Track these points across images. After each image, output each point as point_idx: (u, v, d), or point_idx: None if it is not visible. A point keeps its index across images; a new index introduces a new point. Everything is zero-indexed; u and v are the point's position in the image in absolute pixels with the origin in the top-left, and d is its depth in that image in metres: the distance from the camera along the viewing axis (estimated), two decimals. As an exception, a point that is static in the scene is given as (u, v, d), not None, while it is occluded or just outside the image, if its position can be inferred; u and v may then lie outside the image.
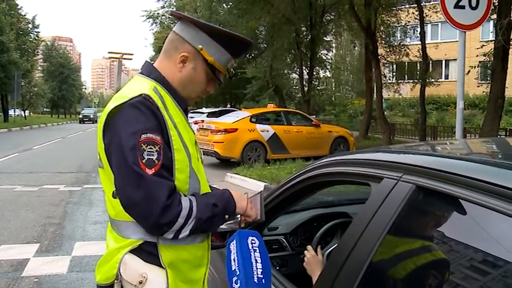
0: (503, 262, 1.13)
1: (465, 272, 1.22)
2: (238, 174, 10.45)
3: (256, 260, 1.52)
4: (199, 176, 1.57)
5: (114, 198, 1.46)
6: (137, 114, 1.41)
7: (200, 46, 1.54)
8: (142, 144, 1.38)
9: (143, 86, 1.51)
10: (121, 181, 1.42)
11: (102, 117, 1.47)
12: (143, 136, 1.38)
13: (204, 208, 1.47)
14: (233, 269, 1.53)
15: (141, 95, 1.43)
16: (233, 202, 1.57)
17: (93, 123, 48.97)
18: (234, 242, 1.59)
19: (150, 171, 1.37)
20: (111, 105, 1.45)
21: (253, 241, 1.58)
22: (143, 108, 1.41)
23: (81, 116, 54.77)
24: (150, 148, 1.38)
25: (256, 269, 1.51)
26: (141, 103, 1.42)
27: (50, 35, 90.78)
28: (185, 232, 1.44)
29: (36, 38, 44.52)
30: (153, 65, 1.62)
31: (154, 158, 1.38)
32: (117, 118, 1.43)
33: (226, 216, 1.55)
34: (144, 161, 1.37)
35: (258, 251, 1.56)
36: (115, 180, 1.44)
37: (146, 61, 1.67)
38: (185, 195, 1.47)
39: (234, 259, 1.54)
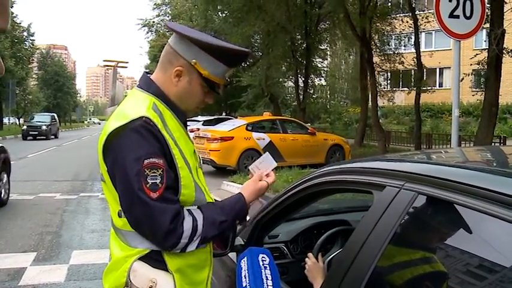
0: (505, 268, 1.15)
1: (469, 279, 1.24)
2: (235, 182, 10.46)
3: (267, 277, 1.57)
4: (202, 186, 1.61)
5: (120, 217, 1.51)
6: (139, 139, 1.43)
7: (194, 60, 1.53)
8: (145, 170, 1.41)
9: (142, 103, 1.52)
10: (127, 204, 1.46)
11: (102, 137, 1.48)
12: (146, 161, 1.41)
13: (211, 226, 1.52)
14: (244, 285, 1.57)
15: (142, 117, 1.45)
16: (245, 208, 1.62)
17: (47, 138, 31.52)
18: (245, 259, 1.63)
19: (154, 195, 1.41)
20: (111, 125, 1.46)
21: (263, 258, 1.62)
22: (144, 132, 1.43)
23: (25, 128, 32.67)
24: (154, 172, 1.42)
25: (267, 285, 1.55)
26: (143, 127, 1.44)
27: (45, 43, 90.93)
28: (191, 248, 1.49)
29: (31, 45, 44.46)
30: (151, 77, 1.62)
31: (158, 181, 1.42)
32: (119, 142, 1.45)
33: (237, 221, 1.61)
34: (148, 186, 1.41)
35: (268, 268, 1.60)
36: (121, 201, 1.48)
37: (144, 73, 1.67)
38: (190, 212, 1.51)
39: (245, 276, 1.58)
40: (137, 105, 1.52)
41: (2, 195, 8.03)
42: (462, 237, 1.32)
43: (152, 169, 1.41)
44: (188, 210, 1.50)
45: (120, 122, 1.45)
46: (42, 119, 34.09)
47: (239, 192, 1.68)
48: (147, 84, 1.61)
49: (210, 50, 1.53)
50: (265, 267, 1.60)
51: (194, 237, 1.47)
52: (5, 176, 8.24)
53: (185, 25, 1.81)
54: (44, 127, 32.33)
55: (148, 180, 1.41)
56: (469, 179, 1.22)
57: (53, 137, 33.58)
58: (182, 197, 1.49)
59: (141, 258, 1.49)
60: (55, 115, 38.41)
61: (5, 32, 1.20)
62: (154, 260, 1.50)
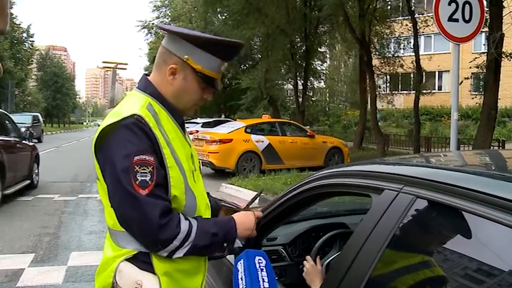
0: (503, 272, 1.16)
1: (467, 283, 1.24)
2: (233, 184, 10.46)
3: (263, 279, 1.57)
4: (195, 190, 1.59)
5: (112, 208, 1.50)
6: (130, 136, 1.43)
7: (186, 56, 1.54)
8: (135, 166, 1.41)
9: (137, 103, 1.53)
10: (116, 201, 1.46)
11: (96, 134, 1.49)
12: (136, 158, 1.41)
13: (203, 235, 1.50)
14: (241, 287, 1.56)
15: (133, 115, 1.45)
16: (234, 231, 1.59)
17: (31, 141, 18.55)
18: (242, 261, 1.63)
19: (143, 192, 1.41)
20: (104, 123, 1.48)
21: (260, 260, 1.63)
22: (136, 129, 1.44)
23: None
24: (144, 169, 1.41)
25: (264, 287, 1.54)
26: (134, 124, 1.44)
27: (44, 44, 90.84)
28: (179, 254, 1.47)
29: (31, 47, 44.44)
30: (148, 78, 1.63)
31: (147, 179, 1.41)
32: (110, 139, 1.45)
33: (225, 244, 1.56)
34: (137, 183, 1.41)
35: (264, 270, 1.60)
36: (110, 198, 1.48)
37: (143, 75, 1.68)
38: (186, 218, 1.49)
39: (241, 278, 1.58)
40: (132, 104, 1.53)
41: (34, 179, 10.62)
42: (460, 241, 1.32)
43: (142, 166, 1.41)
44: (184, 215, 1.50)
45: (112, 119, 1.46)
46: (21, 119, 27.31)
47: (231, 216, 1.67)
48: (144, 85, 1.62)
49: (200, 44, 1.54)
50: (261, 269, 1.60)
51: (186, 242, 1.46)
52: (36, 166, 10.95)
53: (184, 27, 1.81)
54: (23, 129, 27.32)
55: (138, 177, 1.40)
56: (467, 182, 1.23)
57: (35, 140, 27.82)
58: (172, 198, 1.48)
59: (129, 259, 1.48)
60: (39, 115, 34.15)
61: (5, 34, 1.21)
62: (142, 261, 1.48)
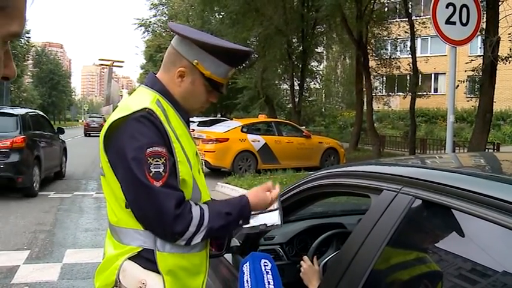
0: (498, 272, 1.17)
1: (464, 284, 1.26)
2: (229, 183, 10.47)
3: (269, 281, 1.58)
4: (201, 186, 1.60)
5: (127, 208, 1.49)
6: (141, 129, 1.43)
7: (196, 61, 1.54)
8: (148, 158, 1.41)
9: (146, 98, 1.53)
10: (132, 195, 1.45)
11: (105, 127, 1.49)
12: (149, 150, 1.41)
13: (217, 217, 1.50)
14: None
15: (145, 109, 1.46)
16: (248, 208, 1.57)
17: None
18: (247, 264, 1.64)
19: (158, 184, 1.41)
20: (114, 117, 1.47)
21: (265, 263, 1.64)
22: (147, 122, 1.44)
23: None
24: (157, 161, 1.41)
25: None
26: (145, 117, 1.44)
27: (40, 41, 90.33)
28: (197, 239, 1.47)
29: (27, 43, 44.18)
30: (157, 76, 1.64)
31: (161, 170, 1.41)
32: (121, 132, 1.45)
33: (240, 221, 1.57)
34: (151, 174, 1.41)
35: (270, 273, 1.61)
36: (125, 193, 1.47)
37: (151, 72, 1.69)
38: (196, 204, 1.50)
39: (247, 280, 1.60)
40: (141, 99, 1.53)
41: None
42: (459, 242, 1.34)
43: (155, 158, 1.41)
44: (194, 202, 1.50)
45: (122, 113, 1.46)
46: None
47: (243, 194, 1.67)
48: (152, 82, 1.62)
49: (211, 50, 1.54)
50: (267, 272, 1.61)
51: (201, 227, 1.46)
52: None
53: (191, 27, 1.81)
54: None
55: (152, 169, 1.41)
56: (465, 184, 1.24)
57: None
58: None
59: (132, 258, 1.48)
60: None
61: (21, 36, 1.19)
62: (146, 259, 1.48)
